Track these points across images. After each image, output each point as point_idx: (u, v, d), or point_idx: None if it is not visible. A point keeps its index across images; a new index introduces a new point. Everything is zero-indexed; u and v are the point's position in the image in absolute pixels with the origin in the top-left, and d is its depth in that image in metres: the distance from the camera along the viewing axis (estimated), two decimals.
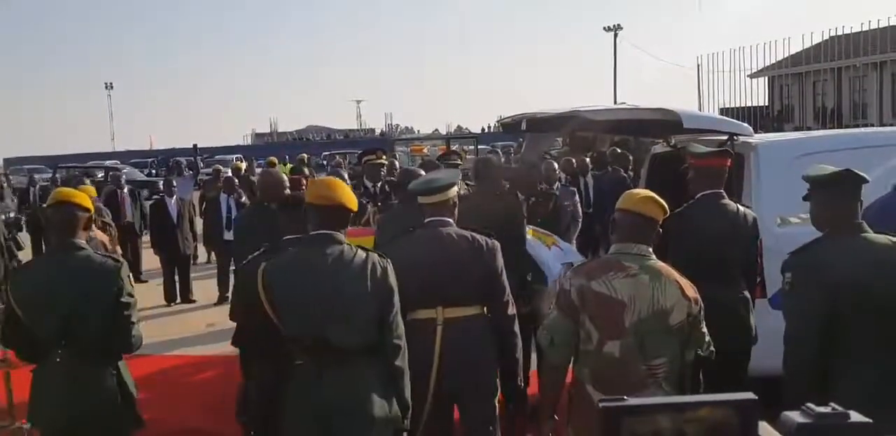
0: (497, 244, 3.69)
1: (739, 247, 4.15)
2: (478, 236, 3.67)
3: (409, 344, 3.12)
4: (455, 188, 3.78)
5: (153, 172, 35.82)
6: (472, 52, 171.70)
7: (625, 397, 0.80)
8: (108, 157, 45.35)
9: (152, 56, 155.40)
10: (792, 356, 2.94)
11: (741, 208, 4.24)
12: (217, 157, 37.28)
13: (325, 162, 31.04)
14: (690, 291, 2.97)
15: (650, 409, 0.81)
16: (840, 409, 0.81)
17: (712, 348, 3.04)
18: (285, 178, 5.60)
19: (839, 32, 33.05)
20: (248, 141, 69.41)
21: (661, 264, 3.00)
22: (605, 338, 2.91)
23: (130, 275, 3.48)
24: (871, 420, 0.79)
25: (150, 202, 9.93)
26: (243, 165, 15.56)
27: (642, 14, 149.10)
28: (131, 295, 3.40)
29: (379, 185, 7.52)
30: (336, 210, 3.03)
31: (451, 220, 3.71)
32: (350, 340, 2.94)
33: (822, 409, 0.81)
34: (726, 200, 4.22)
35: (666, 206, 3.04)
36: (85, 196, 3.50)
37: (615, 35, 49.06)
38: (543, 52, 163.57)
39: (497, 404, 3.70)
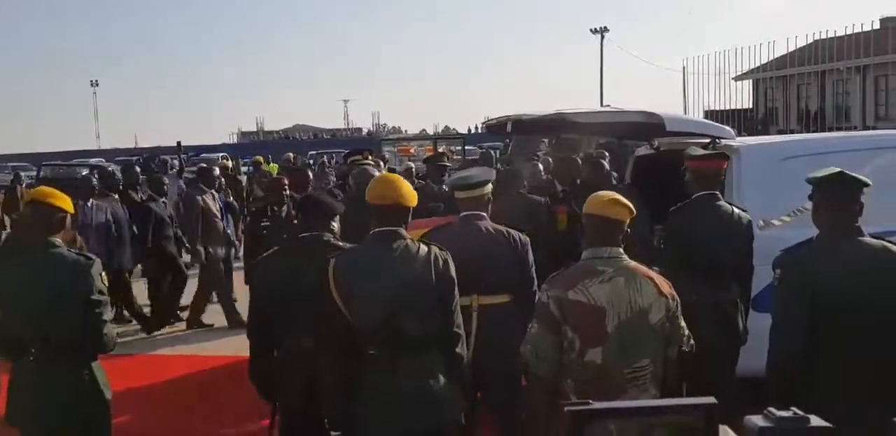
0: (527, 239, 3.95)
1: (732, 248, 4.18)
2: (511, 231, 3.94)
3: None
4: (490, 185, 4.04)
5: (139, 169, 35.59)
6: (460, 52, 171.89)
7: (590, 402, 0.82)
8: (93, 154, 44.99)
9: (138, 54, 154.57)
10: (777, 348, 3.00)
11: (736, 210, 4.28)
12: (202, 155, 37.05)
13: (311, 161, 30.94)
14: (666, 287, 2.99)
15: (615, 413, 0.82)
16: (800, 413, 0.83)
17: (692, 342, 3.06)
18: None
19: (823, 36, 33.33)
20: (234, 139, 69.10)
21: (633, 264, 3.01)
22: (587, 346, 2.91)
23: (103, 273, 3.46)
24: (830, 424, 0.81)
25: None
26: (230, 164, 15.52)
27: (630, 17, 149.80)
28: (103, 293, 3.39)
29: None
30: (395, 208, 3.18)
31: (485, 214, 3.98)
32: (420, 330, 3.08)
33: (783, 413, 0.82)
34: (721, 202, 4.26)
35: (632, 206, 3.06)
36: (63, 196, 3.50)
37: (602, 37, 49.31)
38: (531, 52, 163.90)
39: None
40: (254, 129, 76.36)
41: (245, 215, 9.85)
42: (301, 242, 3.67)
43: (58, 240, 3.42)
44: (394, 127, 76.29)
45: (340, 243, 3.68)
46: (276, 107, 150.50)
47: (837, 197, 2.98)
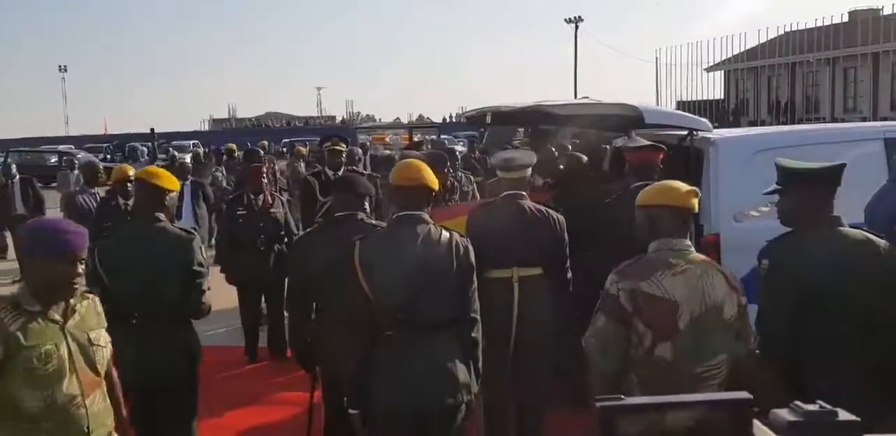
0: (564, 219, 4.26)
1: None
2: (550, 210, 4.26)
3: (491, 298, 3.42)
4: (530, 168, 4.34)
5: (108, 157, 35.06)
6: (434, 40, 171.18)
7: (622, 397, 0.82)
8: (62, 141, 44.14)
9: (107, 39, 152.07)
10: (762, 334, 3.00)
11: None
12: (174, 142, 36.61)
13: (284, 149, 30.68)
14: (734, 281, 2.89)
15: (646, 408, 0.82)
16: (828, 407, 0.84)
17: (757, 339, 2.96)
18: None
19: (793, 28, 33.70)
20: (206, 127, 68.28)
21: (702, 257, 2.92)
22: (658, 340, 2.78)
23: (202, 246, 3.77)
24: (858, 418, 0.82)
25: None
26: (202, 152, 15.38)
27: (603, 6, 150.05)
28: (202, 265, 3.71)
29: (340, 173, 7.20)
30: (420, 190, 3.25)
31: (525, 194, 4.29)
32: (438, 313, 3.16)
33: (810, 407, 0.83)
34: None
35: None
36: (166, 176, 3.83)
37: (576, 27, 49.41)
38: (507, 42, 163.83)
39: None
40: (226, 116, 75.60)
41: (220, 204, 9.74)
42: (337, 220, 3.88)
43: (161, 215, 3.73)
44: (367, 115, 76.07)
45: (374, 222, 3.85)
46: (248, 94, 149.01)
47: (825, 188, 2.99)
